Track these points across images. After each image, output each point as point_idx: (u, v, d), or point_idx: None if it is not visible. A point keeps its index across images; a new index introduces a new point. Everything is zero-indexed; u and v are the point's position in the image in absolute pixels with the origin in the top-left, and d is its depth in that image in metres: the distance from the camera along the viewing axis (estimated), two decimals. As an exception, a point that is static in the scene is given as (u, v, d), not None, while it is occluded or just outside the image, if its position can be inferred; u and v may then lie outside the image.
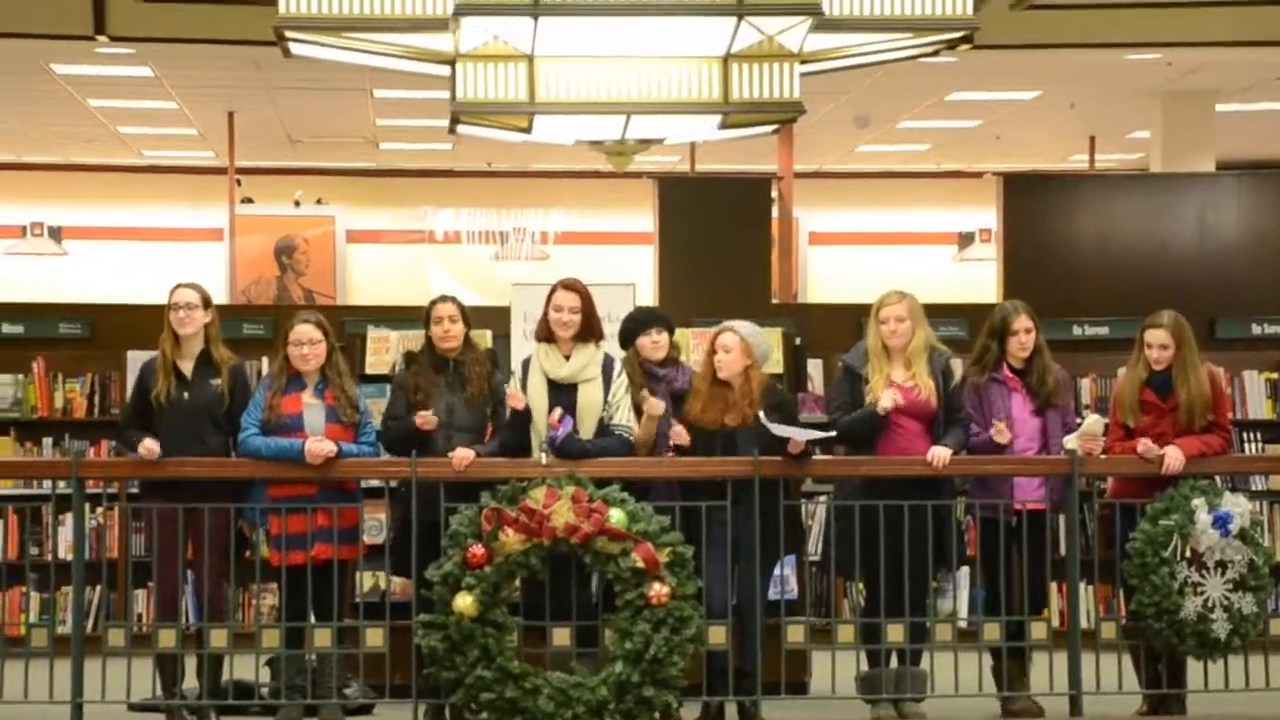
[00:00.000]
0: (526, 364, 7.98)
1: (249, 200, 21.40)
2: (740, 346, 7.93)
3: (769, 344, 8.30)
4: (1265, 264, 12.93)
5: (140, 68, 15.94)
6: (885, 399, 7.93)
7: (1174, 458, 7.92)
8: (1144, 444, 7.94)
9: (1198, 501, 7.84)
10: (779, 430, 7.68)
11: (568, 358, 7.88)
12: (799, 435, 7.74)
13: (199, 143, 20.59)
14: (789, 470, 7.87)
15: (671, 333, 8.37)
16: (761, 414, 7.72)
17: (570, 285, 7.95)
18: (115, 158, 21.51)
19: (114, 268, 20.98)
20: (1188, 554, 7.81)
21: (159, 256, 20.80)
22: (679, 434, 7.89)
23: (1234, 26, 14.13)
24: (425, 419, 7.86)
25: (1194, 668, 7.99)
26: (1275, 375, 11.51)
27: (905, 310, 8.06)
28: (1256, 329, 11.97)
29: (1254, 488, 10.28)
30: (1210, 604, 7.79)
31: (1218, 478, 8.12)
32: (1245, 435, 11.10)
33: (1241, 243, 13.16)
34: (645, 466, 7.92)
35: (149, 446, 7.76)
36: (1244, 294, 12.49)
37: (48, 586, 9.15)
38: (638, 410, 7.97)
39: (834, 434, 7.88)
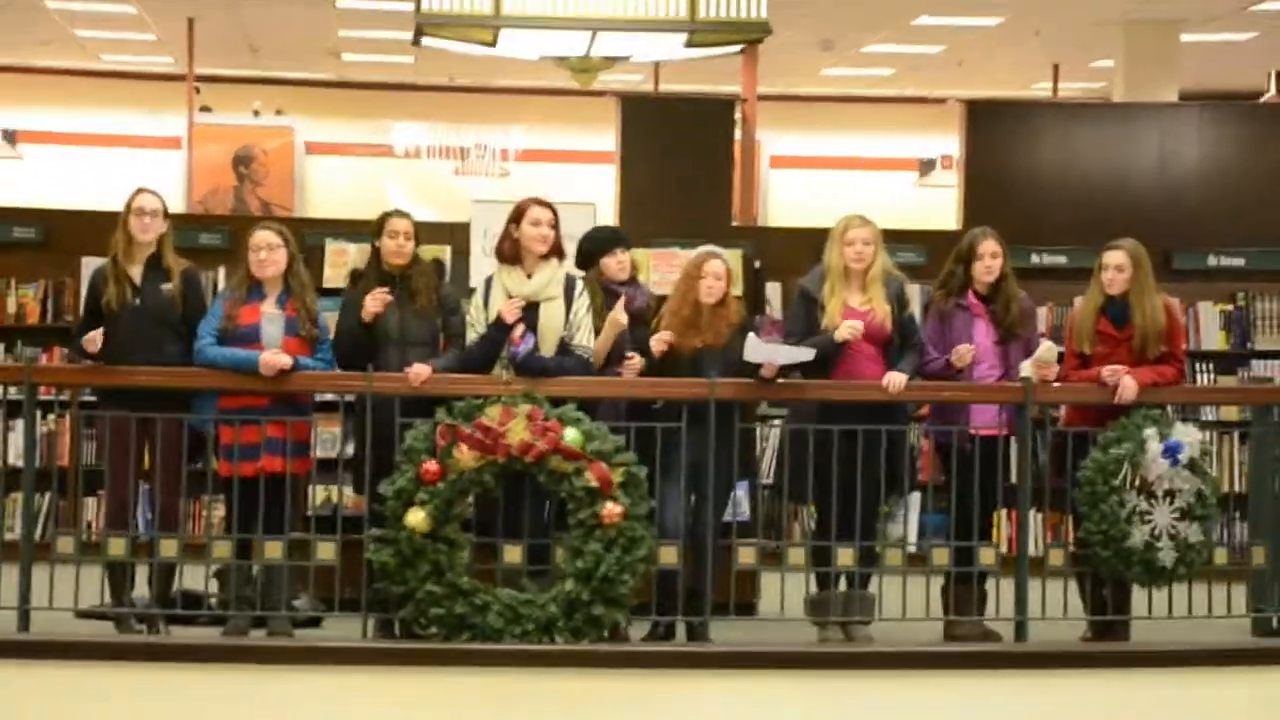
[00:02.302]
0: (489, 281, 7.95)
1: (207, 109, 21.20)
2: (728, 272, 7.96)
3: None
4: (1223, 196, 12.95)
5: (99, -31, 15.77)
6: (844, 329, 7.94)
7: (1127, 387, 7.95)
8: (1109, 369, 7.96)
9: (1149, 431, 7.88)
10: (764, 352, 7.69)
11: (530, 276, 7.85)
12: (782, 357, 7.74)
13: (158, 48, 20.37)
14: (745, 394, 7.87)
15: (629, 251, 8.36)
16: (751, 334, 7.72)
17: (541, 201, 7.94)
18: (72, 61, 21.27)
19: (69, 173, 20.78)
20: (1137, 483, 7.85)
21: (115, 163, 20.61)
22: (632, 365, 7.90)
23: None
24: (374, 297, 7.82)
25: (1138, 595, 8.06)
26: (1229, 307, 11.58)
27: (871, 234, 8.09)
28: (1213, 261, 12.01)
29: (1205, 418, 10.33)
30: (1157, 532, 7.84)
31: (1169, 408, 8.16)
32: (1199, 366, 11.17)
33: (1201, 174, 13.18)
34: (605, 386, 7.91)
35: (90, 336, 7.69)
36: (1201, 226, 12.51)
37: (-3, 492, 9.11)
38: (597, 332, 7.96)
39: (812, 355, 7.88)
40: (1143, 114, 14.23)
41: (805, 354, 7.82)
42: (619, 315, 7.95)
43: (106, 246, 8.06)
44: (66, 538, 7.82)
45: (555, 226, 7.86)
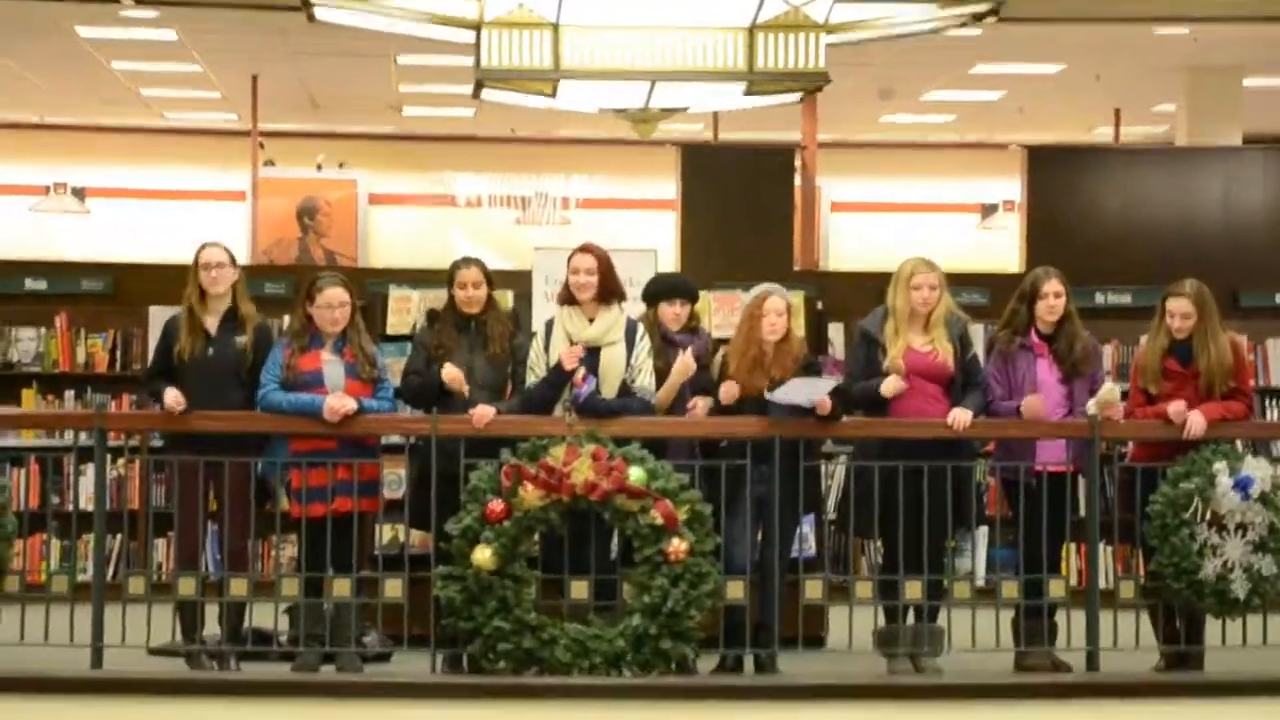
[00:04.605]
0: (550, 325, 8.00)
1: (271, 163, 21.41)
2: (789, 307, 8.01)
3: None
4: (1290, 236, 12.93)
5: (165, 31, 15.95)
6: (887, 386, 7.94)
7: (1195, 422, 7.92)
8: (1175, 405, 7.93)
9: (1219, 465, 7.84)
10: (786, 398, 7.70)
11: (591, 321, 7.89)
12: (806, 397, 7.73)
13: (222, 105, 20.59)
14: (808, 431, 7.87)
15: (694, 303, 8.39)
16: (768, 393, 7.73)
17: (586, 248, 7.99)
18: (138, 119, 21.53)
19: (137, 227, 21.01)
20: (1208, 516, 7.81)
21: (181, 216, 20.82)
22: (698, 409, 7.91)
23: (1260, 2, 14.07)
24: (453, 375, 7.86)
25: (1212, 626, 8.00)
26: (1298, 344, 11.51)
27: (937, 279, 8.11)
28: (1280, 298, 11.96)
29: (1275, 453, 10.26)
30: (1230, 565, 7.79)
31: (1239, 442, 8.12)
32: (1267, 402, 11.10)
33: (1266, 215, 13.15)
34: (668, 426, 7.93)
35: (175, 398, 7.79)
36: (1268, 265, 12.47)
37: (69, 535, 9.19)
38: (659, 374, 7.99)
39: (838, 382, 7.87)
40: (1207, 158, 14.21)
41: (825, 385, 7.81)
42: (688, 360, 7.96)
43: (172, 297, 8.16)
44: (137, 578, 7.89)
45: (599, 272, 7.87)
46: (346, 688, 7.54)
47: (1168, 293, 8.19)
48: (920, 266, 8.14)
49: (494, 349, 8.04)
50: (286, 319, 10.58)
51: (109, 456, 8.05)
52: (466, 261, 8.21)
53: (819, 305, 10.18)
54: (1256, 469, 7.89)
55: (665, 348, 8.18)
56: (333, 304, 7.91)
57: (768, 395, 7.74)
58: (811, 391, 7.75)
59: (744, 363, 7.99)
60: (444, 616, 7.58)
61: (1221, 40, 15.64)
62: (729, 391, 7.89)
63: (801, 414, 7.76)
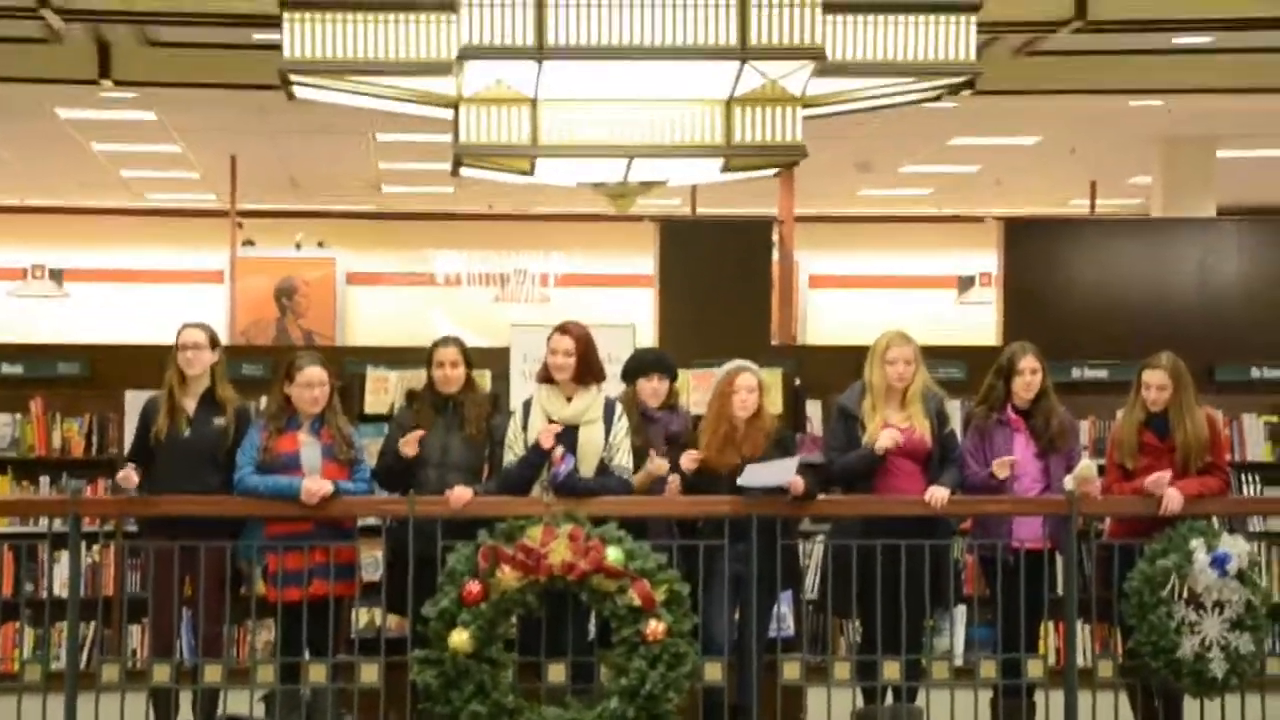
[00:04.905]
0: (528, 404, 7.99)
1: (250, 242, 21.43)
2: (760, 384, 7.98)
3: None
4: (1265, 309, 12.93)
5: (144, 112, 16.03)
6: (884, 438, 7.94)
7: (1172, 498, 7.92)
8: (1154, 477, 7.93)
9: (1196, 542, 7.83)
10: (756, 481, 7.69)
11: (569, 400, 7.88)
12: (776, 479, 7.73)
13: (201, 185, 20.66)
14: (785, 510, 7.86)
15: (673, 380, 8.38)
16: (740, 479, 7.72)
17: (565, 329, 7.98)
18: (117, 200, 21.58)
19: (115, 309, 21.03)
20: (1185, 594, 7.80)
21: (160, 297, 20.84)
22: (672, 486, 7.90)
23: (1234, 75, 14.21)
24: (407, 441, 7.85)
25: (1190, 706, 7.98)
26: (1274, 418, 11.49)
27: (912, 353, 8.12)
28: (1255, 373, 11.92)
29: (1252, 529, 10.23)
30: (1207, 643, 7.77)
31: (1215, 519, 8.10)
32: (1245, 477, 11.06)
33: (1241, 288, 13.16)
34: (644, 505, 7.92)
35: (126, 474, 7.76)
36: (1243, 339, 12.47)
37: (42, 622, 9.12)
38: (637, 454, 7.98)
39: (810, 460, 7.85)
40: (1182, 229, 14.26)
41: (789, 464, 7.79)
42: (658, 467, 7.95)
43: (149, 379, 8.13)
44: (111, 665, 7.82)
45: (579, 353, 7.88)
46: (323, 776, 7.46)
47: (1143, 365, 8.22)
48: (895, 340, 8.15)
49: (470, 430, 8.02)
50: (264, 400, 10.58)
51: (83, 542, 7.99)
52: (445, 341, 8.21)
53: (796, 381, 10.17)
54: (1233, 546, 7.88)
55: (644, 424, 8.19)
56: (312, 383, 7.90)
57: (739, 481, 7.72)
58: (780, 473, 7.74)
59: (715, 440, 7.98)
60: (421, 701, 7.53)
61: (1195, 112, 15.77)
62: (689, 461, 7.87)
63: (776, 493, 7.74)
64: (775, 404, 9.17)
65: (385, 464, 8.03)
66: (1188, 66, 14.24)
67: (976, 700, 7.91)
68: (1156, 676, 7.80)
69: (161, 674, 7.73)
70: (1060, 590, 8.13)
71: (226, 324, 19.93)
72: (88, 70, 13.72)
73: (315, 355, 8.17)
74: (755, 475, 7.73)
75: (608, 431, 7.89)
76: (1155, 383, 8.11)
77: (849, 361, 8.95)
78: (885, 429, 7.97)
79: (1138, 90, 14.82)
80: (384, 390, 9.57)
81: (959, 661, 8.43)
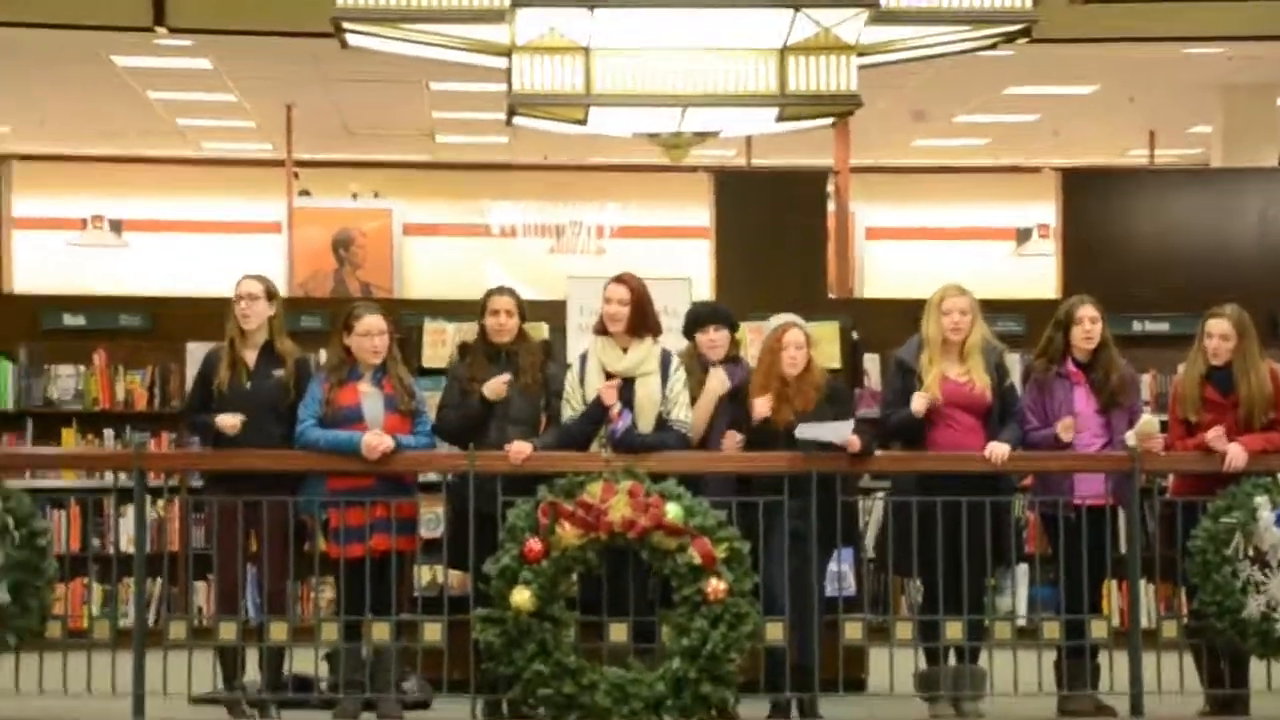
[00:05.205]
0: (584, 357, 7.99)
1: (306, 193, 21.46)
2: (808, 338, 7.93)
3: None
4: (1328, 259, 12.85)
5: (199, 59, 16.06)
6: (916, 400, 7.90)
7: (1236, 454, 7.85)
8: (1214, 432, 7.85)
9: (1260, 499, 7.76)
10: (812, 434, 7.66)
11: (625, 352, 7.87)
12: (833, 434, 7.70)
13: (257, 135, 20.70)
14: (845, 466, 7.84)
15: (734, 330, 8.34)
16: (797, 431, 7.69)
17: (620, 279, 7.96)
18: (174, 150, 21.65)
19: (173, 260, 21.10)
20: (1250, 552, 7.73)
21: (218, 249, 20.88)
22: (731, 442, 7.87)
23: (1295, 19, 14.04)
24: (495, 387, 7.83)
25: (1257, 667, 7.93)
26: (1338, 372, 11.39)
27: (968, 304, 8.06)
28: (1320, 324, 11.87)
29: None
30: (1274, 603, 7.70)
31: (1281, 475, 8.04)
32: (1308, 432, 10.98)
33: (1304, 238, 13.08)
34: (705, 461, 7.91)
35: (229, 421, 7.79)
36: (1306, 289, 12.38)
37: (110, 579, 9.21)
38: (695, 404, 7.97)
39: (850, 425, 7.84)
40: (1243, 179, 14.15)
41: (845, 425, 7.77)
42: (716, 383, 7.91)
43: (209, 331, 8.17)
44: (178, 623, 7.87)
45: (633, 303, 7.84)
46: (387, 736, 7.52)
47: (1207, 315, 8.11)
48: (950, 292, 8.10)
49: (526, 380, 8.00)
50: (323, 353, 10.63)
51: (148, 497, 8.06)
52: (499, 290, 8.21)
53: (854, 335, 10.13)
54: (1299, 503, 7.82)
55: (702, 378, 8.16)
56: (371, 332, 7.90)
57: (796, 434, 7.69)
58: (837, 431, 7.72)
59: (766, 396, 7.94)
60: (483, 661, 7.56)
61: (1256, 59, 15.59)
62: (760, 409, 7.83)
63: (832, 450, 7.72)
64: (832, 358, 9.13)
65: (450, 420, 8.02)
66: (1246, 11, 14.08)
67: (1040, 661, 7.90)
68: (1222, 637, 7.75)
69: (228, 632, 7.79)
70: (1124, 549, 8.08)
71: (285, 276, 19.96)
72: (143, 17, 13.75)
73: (374, 305, 8.21)
74: (814, 430, 7.71)
75: (664, 384, 7.87)
76: (1219, 332, 8.00)
77: (907, 315, 8.93)
78: (919, 394, 7.92)
79: (1196, 38, 14.66)
80: (441, 343, 9.58)
81: (1022, 622, 8.41)
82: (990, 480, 7.91)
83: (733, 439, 7.92)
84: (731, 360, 8.29)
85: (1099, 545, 7.90)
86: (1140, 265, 12.90)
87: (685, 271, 10.87)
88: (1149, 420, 8.05)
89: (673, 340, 8.28)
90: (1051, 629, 7.89)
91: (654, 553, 7.52)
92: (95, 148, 21.33)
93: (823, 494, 7.73)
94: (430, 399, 8.23)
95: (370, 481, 7.81)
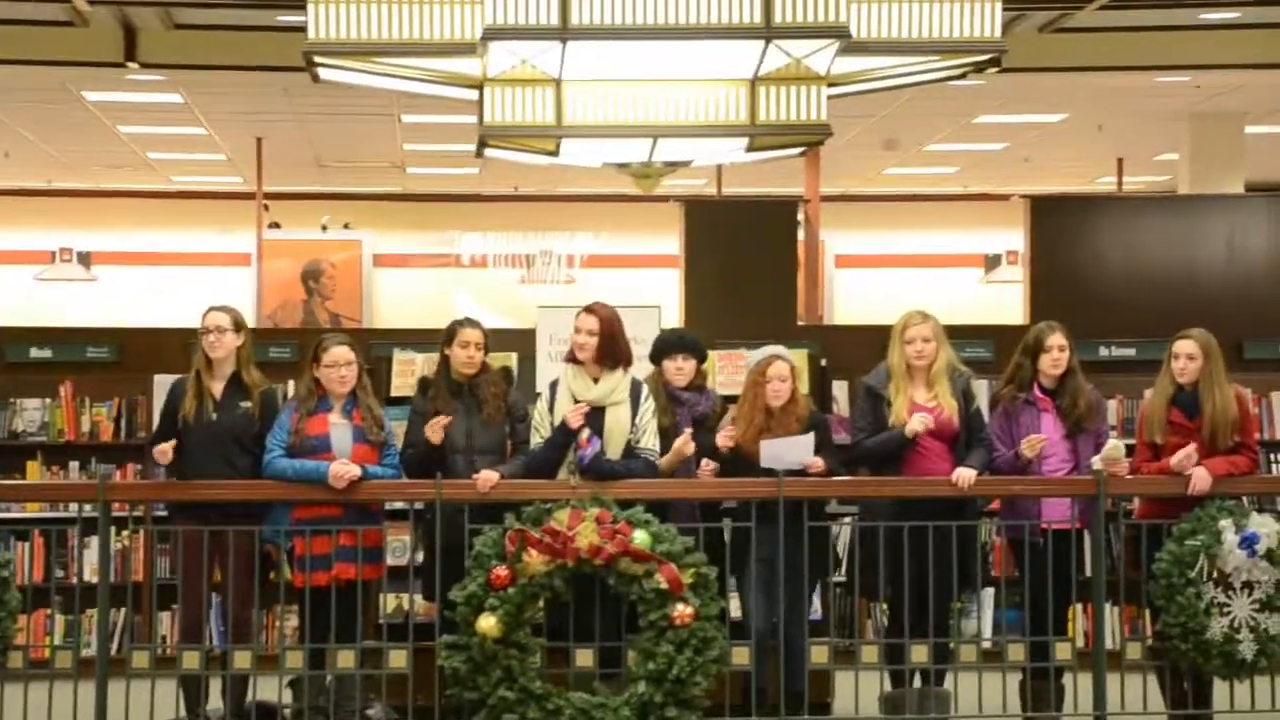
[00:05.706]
0: (554, 385, 7.99)
1: (276, 225, 21.45)
2: (793, 370, 7.98)
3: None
4: (1294, 286, 12.88)
5: (170, 94, 16.06)
6: (915, 422, 7.92)
7: (1200, 478, 7.88)
8: (1184, 452, 7.88)
9: (1225, 522, 7.80)
10: (774, 462, 7.67)
11: (596, 381, 7.88)
12: (795, 459, 7.71)
13: (227, 168, 20.70)
14: (814, 491, 7.84)
15: (701, 359, 8.36)
16: (762, 444, 7.70)
17: (590, 309, 7.96)
18: (144, 183, 21.64)
19: (142, 292, 21.07)
20: (1214, 574, 7.77)
21: (187, 281, 20.87)
22: (707, 472, 7.89)
23: (1262, 49, 14.13)
24: (432, 428, 7.85)
25: (1220, 688, 7.95)
26: (1304, 397, 11.45)
27: (930, 331, 8.07)
28: (1285, 350, 11.90)
29: (1281, 508, 10.19)
30: (1237, 624, 7.75)
31: (1245, 498, 8.08)
32: (1273, 456, 11.04)
33: (1270, 264, 13.08)
34: (672, 488, 7.92)
35: (161, 448, 7.77)
36: (1272, 315, 12.40)
37: (73, 609, 9.17)
38: (665, 435, 7.97)
39: (811, 440, 7.85)
40: (1210, 206, 14.17)
41: (806, 442, 7.79)
42: (685, 446, 7.94)
43: (177, 363, 8.14)
44: (141, 652, 7.84)
45: (601, 333, 7.85)
46: (352, 761, 7.48)
47: (1175, 337, 8.15)
48: (913, 319, 8.12)
49: (489, 410, 8.01)
50: (292, 384, 10.60)
51: (113, 527, 8.02)
52: (469, 322, 8.21)
53: (823, 361, 10.15)
54: (1262, 525, 7.84)
55: (671, 405, 8.17)
56: (338, 363, 7.90)
57: (762, 463, 7.71)
58: (799, 451, 7.73)
59: (751, 430, 7.97)
60: (449, 686, 7.54)
61: (1223, 87, 15.69)
62: (724, 439, 7.85)
63: (796, 474, 7.74)
64: (802, 385, 9.14)
65: (413, 459, 8.02)
66: (1215, 41, 14.17)
67: (1005, 683, 7.90)
68: (1185, 658, 7.77)
69: (191, 660, 7.75)
70: (1089, 571, 8.10)
71: (254, 307, 19.97)
72: (114, 53, 13.76)
73: (341, 336, 8.19)
74: (774, 455, 7.72)
75: (634, 413, 7.87)
76: (1185, 352, 8.04)
77: (875, 341, 8.93)
78: (916, 413, 7.95)
79: (1164, 66, 14.74)
80: (411, 373, 9.57)
81: (987, 644, 8.41)
82: (957, 504, 7.92)
83: (707, 468, 7.93)
84: (696, 389, 8.31)
85: (1064, 568, 7.91)
86: (1108, 291, 12.92)
87: (656, 300, 10.89)
88: (1115, 445, 8.07)
89: (642, 367, 8.28)
90: (1016, 651, 7.90)
91: (621, 578, 7.52)
92: (65, 180, 21.31)
93: (791, 520, 7.72)
94: (398, 428, 8.21)
95: (337, 512, 7.80)
